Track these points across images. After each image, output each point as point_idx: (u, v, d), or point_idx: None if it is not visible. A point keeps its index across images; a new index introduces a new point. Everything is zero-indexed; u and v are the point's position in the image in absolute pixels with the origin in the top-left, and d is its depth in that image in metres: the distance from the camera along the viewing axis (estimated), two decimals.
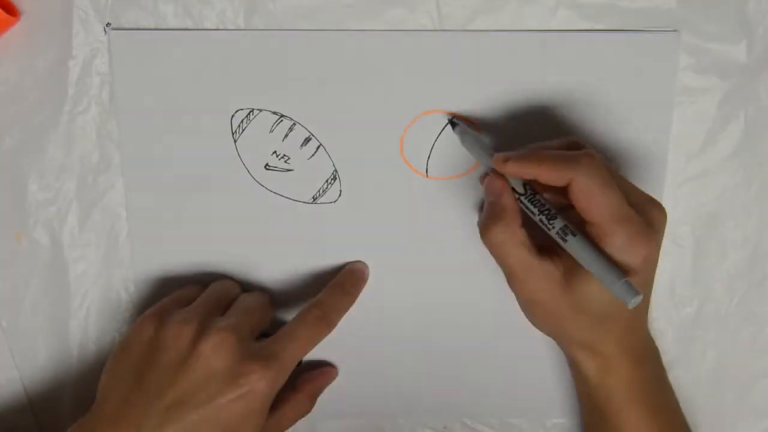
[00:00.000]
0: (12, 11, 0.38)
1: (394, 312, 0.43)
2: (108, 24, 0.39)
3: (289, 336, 0.37)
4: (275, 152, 0.40)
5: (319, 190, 0.41)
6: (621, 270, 0.32)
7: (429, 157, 0.40)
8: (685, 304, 0.43)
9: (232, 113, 0.40)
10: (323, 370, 0.43)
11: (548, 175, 0.33)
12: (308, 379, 0.42)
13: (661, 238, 0.35)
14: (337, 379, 0.44)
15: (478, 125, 0.39)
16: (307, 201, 0.41)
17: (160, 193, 0.41)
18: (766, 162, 0.41)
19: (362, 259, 0.42)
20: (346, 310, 0.40)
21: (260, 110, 0.39)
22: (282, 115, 0.40)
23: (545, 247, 0.35)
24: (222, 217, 0.41)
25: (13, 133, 0.40)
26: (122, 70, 0.39)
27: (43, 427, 0.44)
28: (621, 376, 0.36)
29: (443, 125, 0.40)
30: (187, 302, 0.39)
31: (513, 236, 0.34)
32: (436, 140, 0.40)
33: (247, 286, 0.42)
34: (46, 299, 0.42)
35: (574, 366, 0.38)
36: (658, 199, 0.41)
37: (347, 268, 0.41)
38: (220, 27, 0.39)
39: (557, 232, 0.33)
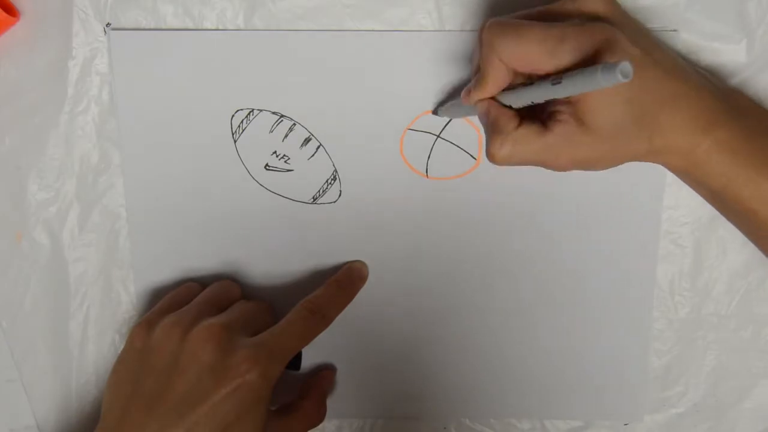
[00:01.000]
0: (12, 11, 0.38)
1: (394, 312, 0.43)
2: (108, 24, 0.39)
3: (281, 329, 0.37)
4: (275, 152, 0.40)
5: (319, 191, 0.41)
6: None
7: (429, 157, 0.40)
8: (685, 304, 0.43)
9: (232, 113, 0.40)
10: (324, 374, 0.43)
11: (490, 81, 0.33)
12: (313, 385, 0.42)
13: (620, 16, 0.33)
14: (337, 379, 0.44)
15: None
16: (307, 201, 0.41)
17: (160, 193, 0.41)
18: None
19: (362, 259, 0.42)
20: (342, 307, 0.40)
21: (260, 110, 0.39)
22: (282, 115, 0.40)
23: (546, 120, 0.33)
24: (222, 217, 0.41)
25: (13, 133, 0.40)
26: (122, 70, 0.39)
27: (43, 428, 0.44)
28: (704, 155, 0.33)
29: (443, 125, 0.40)
30: (183, 303, 0.39)
31: (514, 139, 0.33)
32: (436, 140, 0.40)
33: (246, 286, 0.42)
34: (46, 299, 0.42)
35: (675, 171, 0.36)
36: (659, 200, 0.41)
37: (346, 267, 0.41)
38: (220, 27, 0.39)
39: (549, 86, 0.31)
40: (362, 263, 0.42)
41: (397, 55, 0.39)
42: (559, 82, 0.31)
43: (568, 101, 0.32)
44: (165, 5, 0.39)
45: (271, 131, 0.40)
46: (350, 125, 0.40)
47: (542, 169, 0.40)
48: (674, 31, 0.39)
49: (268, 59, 0.39)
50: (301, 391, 0.42)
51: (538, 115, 0.34)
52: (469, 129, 0.40)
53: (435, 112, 0.40)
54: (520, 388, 0.44)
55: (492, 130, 0.34)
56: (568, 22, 0.32)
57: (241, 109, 0.40)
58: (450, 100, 0.39)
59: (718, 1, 0.39)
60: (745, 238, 0.42)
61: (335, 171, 0.40)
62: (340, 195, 0.41)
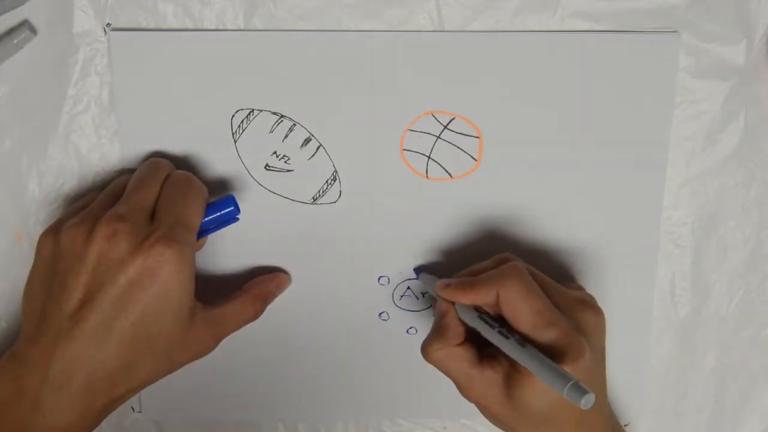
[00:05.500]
0: None
1: (394, 311, 0.43)
2: (108, 24, 0.39)
3: (176, 208, 0.36)
4: (275, 152, 0.40)
5: (319, 191, 0.41)
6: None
7: (429, 157, 0.40)
8: (685, 304, 0.43)
9: (232, 113, 0.40)
10: (273, 274, 0.41)
11: (481, 297, 0.35)
12: (256, 282, 0.40)
13: (598, 340, 0.36)
14: (339, 379, 0.44)
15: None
16: (307, 201, 0.41)
17: None
18: (766, 162, 0.41)
19: (361, 260, 0.42)
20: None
21: (260, 110, 0.39)
22: (282, 116, 0.40)
23: (487, 354, 0.35)
24: None
25: (13, 133, 0.40)
26: (122, 70, 0.39)
27: None
28: None
29: (443, 126, 0.40)
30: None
31: (450, 351, 0.35)
32: (436, 141, 0.40)
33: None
34: None
35: None
36: (658, 200, 0.41)
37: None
38: (220, 27, 0.39)
39: (506, 344, 0.34)
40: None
41: (397, 55, 0.39)
42: (523, 346, 0.32)
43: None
44: (165, 5, 0.39)
45: (271, 131, 0.40)
46: (350, 125, 0.40)
47: (541, 170, 0.40)
48: (675, 32, 0.39)
49: (268, 59, 0.39)
50: (244, 286, 0.40)
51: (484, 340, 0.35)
52: (469, 130, 0.40)
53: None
54: None
55: (437, 332, 0.36)
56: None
57: (241, 109, 0.39)
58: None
59: (719, 2, 0.39)
60: (745, 238, 0.42)
61: (335, 171, 0.40)
62: (340, 195, 0.41)
